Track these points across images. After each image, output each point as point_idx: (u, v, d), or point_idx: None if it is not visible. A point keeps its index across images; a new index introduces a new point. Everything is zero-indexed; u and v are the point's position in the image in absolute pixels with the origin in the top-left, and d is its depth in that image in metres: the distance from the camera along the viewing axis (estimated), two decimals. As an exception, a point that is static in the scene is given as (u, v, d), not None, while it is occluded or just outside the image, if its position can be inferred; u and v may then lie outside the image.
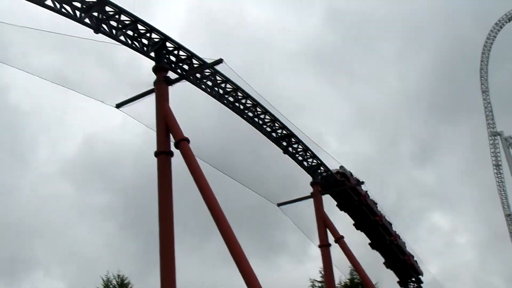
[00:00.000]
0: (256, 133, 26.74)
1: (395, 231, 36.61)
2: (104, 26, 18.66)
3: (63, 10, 17.48)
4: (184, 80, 21.29)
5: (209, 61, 21.37)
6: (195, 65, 21.58)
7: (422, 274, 39.65)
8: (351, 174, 32.62)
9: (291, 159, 29.43)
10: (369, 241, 36.42)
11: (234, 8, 61.84)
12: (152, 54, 20.08)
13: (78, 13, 17.88)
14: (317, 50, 63.63)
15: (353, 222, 34.91)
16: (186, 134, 18.43)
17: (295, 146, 29.16)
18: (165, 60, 20.45)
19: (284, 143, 28.64)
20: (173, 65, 20.93)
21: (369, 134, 65.15)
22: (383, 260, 38.37)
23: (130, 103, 21.24)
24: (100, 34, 18.71)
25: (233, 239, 16.02)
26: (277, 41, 62.82)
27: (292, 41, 64.03)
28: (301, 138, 28.85)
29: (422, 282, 39.98)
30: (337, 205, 33.71)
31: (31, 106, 44.23)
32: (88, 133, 45.60)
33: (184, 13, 61.46)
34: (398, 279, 39.28)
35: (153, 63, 20.10)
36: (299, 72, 63.01)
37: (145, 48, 19.96)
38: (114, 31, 19.00)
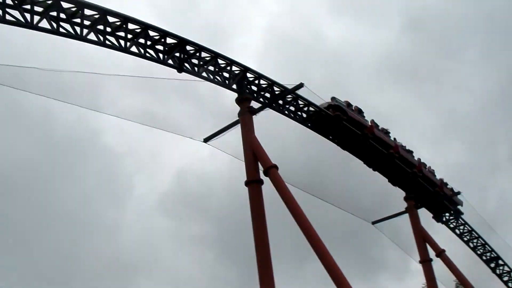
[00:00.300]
0: (343, 153, 26.53)
1: (419, 159, 30.42)
2: (186, 64, 19.33)
3: (147, 54, 18.37)
4: (267, 108, 21.63)
5: (290, 87, 21.68)
6: (277, 92, 21.91)
7: (461, 204, 33.19)
8: (348, 104, 26.19)
9: (381, 175, 28.95)
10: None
11: (310, 27, 61.90)
12: (234, 86, 20.56)
13: (161, 55, 18.72)
14: (398, 61, 62.23)
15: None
16: (273, 161, 18.68)
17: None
18: (247, 90, 20.87)
19: (373, 161, 28.10)
20: (255, 95, 21.32)
21: (462, 142, 62.39)
22: (489, 271, 36.29)
23: (217, 136, 21.88)
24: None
25: (331, 261, 15.97)
26: (356, 55, 61.97)
27: (372, 54, 62.86)
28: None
29: (462, 213, 33.76)
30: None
31: (125, 147, 46.42)
32: (180, 167, 47.21)
33: (260, 36, 62.14)
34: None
35: (235, 94, 20.57)
36: (381, 85, 61.76)
37: (227, 81, 20.49)
38: (196, 69, 19.63)
